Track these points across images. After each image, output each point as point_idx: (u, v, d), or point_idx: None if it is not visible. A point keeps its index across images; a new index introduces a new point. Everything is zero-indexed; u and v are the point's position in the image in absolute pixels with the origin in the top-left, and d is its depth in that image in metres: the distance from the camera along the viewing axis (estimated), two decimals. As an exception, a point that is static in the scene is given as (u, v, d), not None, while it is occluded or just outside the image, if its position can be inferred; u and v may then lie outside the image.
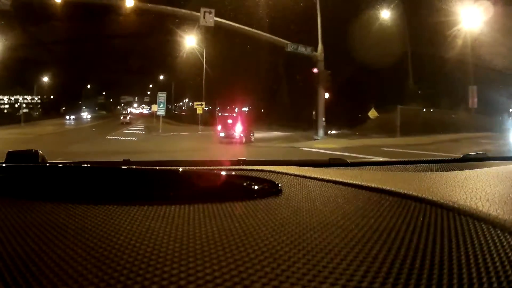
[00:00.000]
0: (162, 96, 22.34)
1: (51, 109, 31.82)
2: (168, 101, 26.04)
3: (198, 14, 15.13)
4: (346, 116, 19.87)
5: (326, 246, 0.46)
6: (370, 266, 0.40)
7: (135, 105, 38.95)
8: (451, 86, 18.75)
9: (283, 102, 24.64)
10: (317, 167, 1.32)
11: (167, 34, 21.71)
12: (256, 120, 21.04)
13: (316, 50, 16.60)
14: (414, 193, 0.70)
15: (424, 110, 19.31)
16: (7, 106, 30.79)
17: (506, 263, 0.41)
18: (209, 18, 15.12)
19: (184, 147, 13.93)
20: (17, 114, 27.73)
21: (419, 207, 0.64)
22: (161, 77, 33.26)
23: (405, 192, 0.72)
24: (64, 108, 33.91)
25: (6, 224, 0.54)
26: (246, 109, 28.32)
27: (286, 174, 0.99)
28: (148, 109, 34.50)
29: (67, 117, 31.78)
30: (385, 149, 11.76)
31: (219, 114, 25.20)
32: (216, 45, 22.82)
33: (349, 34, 19.28)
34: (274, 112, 24.99)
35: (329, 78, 16.59)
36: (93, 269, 0.39)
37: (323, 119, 16.69)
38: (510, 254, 0.43)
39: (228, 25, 16.03)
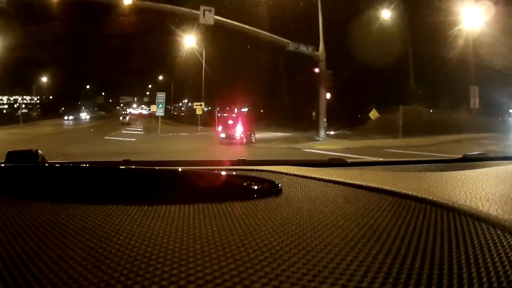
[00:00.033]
0: (161, 96, 22.18)
1: (50, 109, 31.77)
2: (167, 101, 26.02)
3: (198, 12, 14.95)
4: (346, 117, 19.77)
5: (326, 246, 0.46)
6: (370, 266, 0.40)
7: (135, 105, 38.88)
8: (452, 86, 18.65)
9: (283, 102, 24.59)
10: (317, 167, 1.32)
11: (167, 34, 21.65)
12: (256, 120, 20.99)
13: (317, 49, 16.42)
14: (414, 193, 0.70)
15: (426, 110, 19.23)
16: (6, 106, 30.76)
17: (506, 263, 0.41)
18: (209, 16, 14.94)
19: (183, 148, 13.76)
20: (16, 114, 27.70)
21: (419, 207, 0.64)
22: (161, 78, 33.23)
23: (405, 192, 0.72)
24: (63, 108, 33.89)
25: (6, 224, 0.54)
26: (245, 109, 28.27)
27: (286, 174, 0.99)
28: (147, 110, 34.46)
29: (66, 117, 31.74)
30: (389, 150, 11.59)
31: (219, 114, 25.17)
32: (216, 45, 22.78)
33: (350, 34, 19.23)
34: (274, 112, 24.92)
35: (331, 78, 16.40)
36: (93, 269, 0.39)
37: (325, 119, 16.52)
38: (510, 254, 0.43)
39: (228, 23, 15.83)
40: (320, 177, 0.92)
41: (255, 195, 0.73)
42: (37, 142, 15.10)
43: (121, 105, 39.39)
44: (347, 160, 1.66)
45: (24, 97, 30.50)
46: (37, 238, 0.48)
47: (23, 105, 30.32)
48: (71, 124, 30.11)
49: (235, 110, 27.46)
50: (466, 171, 1.14)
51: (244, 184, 0.86)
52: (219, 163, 1.58)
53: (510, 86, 17.05)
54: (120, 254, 0.43)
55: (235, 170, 1.16)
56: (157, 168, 1.18)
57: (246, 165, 1.34)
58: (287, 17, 18.63)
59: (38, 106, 31.92)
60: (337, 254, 0.43)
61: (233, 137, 15.59)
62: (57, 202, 0.64)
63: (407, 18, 19.82)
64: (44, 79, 29.75)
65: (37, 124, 25.59)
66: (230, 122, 17.15)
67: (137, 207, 0.62)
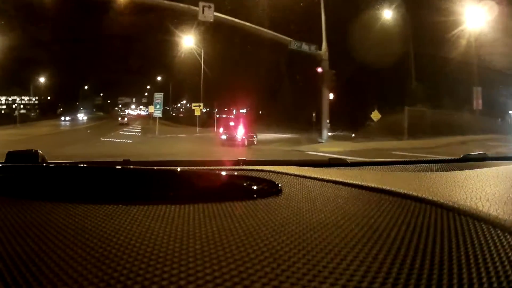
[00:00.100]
0: (158, 96, 21.86)
1: (48, 110, 31.65)
2: (166, 102, 25.93)
3: (197, 8, 14.61)
4: (347, 118, 19.63)
5: (326, 246, 0.46)
6: (370, 266, 0.40)
7: (133, 106, 38.73)
8: (453, 87, 18.48)
9: (283, 103, 24.47)
10: (317, 167, 1.32)
11: (165, 34, 21.57)
12: (256, 121, 20.90)
13: (320, 48, 16.10)
14: (414, 193, 0.70)
15: (429, 111, 19.05)
16: (4, 107, 30.68)
17: (506, 263, 0.41)
18: (209, 13, 14.57)
19: (183, 150, 13.36)
20: (13, 114, 27.64)
21: (419, 207, 0.64)
22: (159, 78, 33.15)
23: (405, 192, 0.72)
24: (61, 109, 33.82)
25: (6, 224, 0.54)
26: (244, 110, 28.17)
27: (286, 174, 0.99)
28: (145, 111, 34.40)
29: (62, 118, 31.65)
30: (396, 152, 11.23)
31: (217, 115, 25.12)
32: (215, 45, 22.70)
33: (351, 34, 19.16)
34: (274, 112, 24.85)
35: (334, 78, 16.06)
36: (93, 269, 0.39)
37: (328, 120, 16.20)
38: (510, 254, 0.43)
39: (228, 20, 15.47)
40: (320, 177, 0.92)
41: (255, 195, 0.73)
42: (31, 143, 14.86)
43: (120, 105, 39.30)
44: (347, 160, 1.66)
45: (22, 97, 30.45)
46: (37, 238, 0.48)
47: (21, 106, 30.26)
48: (67, 125, 29.97)
49: (234, 111, 27.40)
50: (466, 171, 1.14)
51: (244, 184, 0.86)
52: (219, 163, 1.58)
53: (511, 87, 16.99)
54: (120, 254, 0.43)
55: (235, 170, 1.16)
56: (157, 168, 1.18)
57: (246, 165, 1.34)
58: (287, 17, 18.55)
59: (37, 106, 31.86)
60: (337, 254, 0.43)
61: (235, 138, 15.37)
62: (57, 202, 0.64)
63: (408, 18, 19.74)
64: (42, 79, 29.70)
65: (34, 124, 25.48)
66: (232, 123, 17.00)
67: (137, 207, 0.62)
